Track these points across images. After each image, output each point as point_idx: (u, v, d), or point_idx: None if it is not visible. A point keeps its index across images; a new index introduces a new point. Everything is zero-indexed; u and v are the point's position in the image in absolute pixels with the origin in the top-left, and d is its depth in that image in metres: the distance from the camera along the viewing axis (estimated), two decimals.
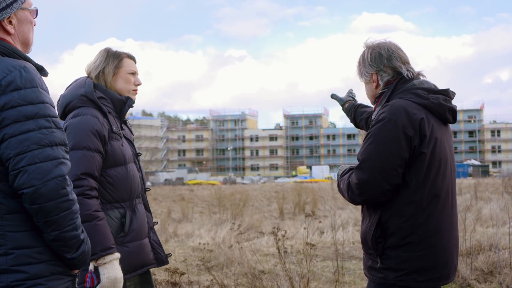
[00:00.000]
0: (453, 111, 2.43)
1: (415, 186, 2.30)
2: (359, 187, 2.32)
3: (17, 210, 1.79)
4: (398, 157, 2.27)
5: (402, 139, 2.26)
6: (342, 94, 3.22)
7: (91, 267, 2.41)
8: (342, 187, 2.47)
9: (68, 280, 1.89)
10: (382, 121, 2.30)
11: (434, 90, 2.41)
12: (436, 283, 2.36)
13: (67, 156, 1.85)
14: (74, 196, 1.83)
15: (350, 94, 3.18)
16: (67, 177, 1.81)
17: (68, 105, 2.60)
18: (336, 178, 2.61)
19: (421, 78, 2.48)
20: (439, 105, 2.37)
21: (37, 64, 1.93)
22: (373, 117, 2.45)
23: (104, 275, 2.38)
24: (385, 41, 2.50)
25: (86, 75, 2.74)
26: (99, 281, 2.39)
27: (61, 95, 2.69)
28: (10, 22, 1.92)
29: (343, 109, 3.13)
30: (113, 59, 2.71)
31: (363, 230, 2.43)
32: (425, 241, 2.31)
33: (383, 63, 2.45)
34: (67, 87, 2.70)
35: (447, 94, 2.43)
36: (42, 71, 1.93)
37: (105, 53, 2.73)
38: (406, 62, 2.46)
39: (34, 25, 2.02)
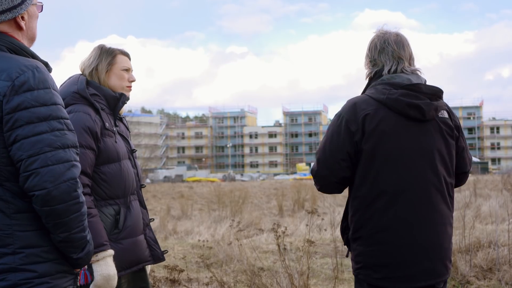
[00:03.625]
0: (415, 107, 2.28)
1: (358, 181, 2.35)
2: (313, 177, 2.45)
3: (25, 209, 1.78)
4: (340, 151, 2.32)
5: (345, 133, 2.32)
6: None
7: None
8: None
9: (70, 279, 1.90)
10: (335, 116, 2.41)
11: (400, 85, 2.31)
12: (397, 284, 2.27)
13: (78, 159, 1.85)
14: (83, 198, 1.84)
15: None
16: (78, 179, 1.81)
17: None
18: None
19: (418, 74, 2.39)
20: (395, 100, 2.28)
21: (42, 60, 1.92)
22: None
23: (97, 272, 2.37)
24: (389, 32, 2.43)
25: (80, 73, 2.73)
26: (92, 278, 2.38)
27: None
28: (23, 18, 1.90)
29: None
30: (107, 56, 2.70)
31: None
32: (374, 237, 2.30)
33: (374, 56, 2.42)
34: (61, 85, 2.69)
35: (415, 89, 2.30)
36: (46, 67, 1.91)
37: (99, 50, 2.72)
38: (398, 57, 2.37)
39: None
